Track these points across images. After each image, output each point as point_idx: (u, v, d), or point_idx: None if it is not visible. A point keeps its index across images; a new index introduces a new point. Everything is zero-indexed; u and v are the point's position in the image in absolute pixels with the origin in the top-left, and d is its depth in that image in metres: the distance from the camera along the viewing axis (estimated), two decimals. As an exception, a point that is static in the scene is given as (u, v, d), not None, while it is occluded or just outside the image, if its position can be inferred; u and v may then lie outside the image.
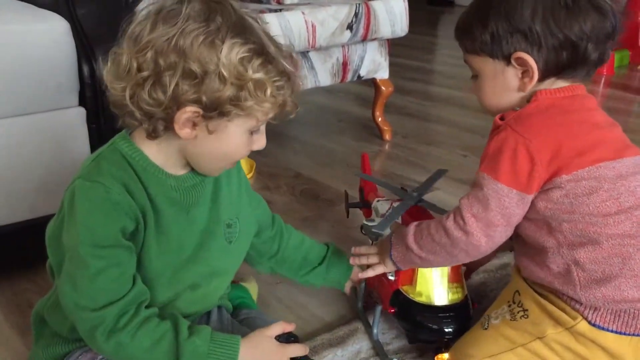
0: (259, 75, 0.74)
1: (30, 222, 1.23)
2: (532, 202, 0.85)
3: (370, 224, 1.10)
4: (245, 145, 0.81)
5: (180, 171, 0.84)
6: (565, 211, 0.84)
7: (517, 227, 0.90)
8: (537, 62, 0.86)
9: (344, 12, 1.82)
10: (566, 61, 0.86)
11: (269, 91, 0.75)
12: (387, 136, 2.19)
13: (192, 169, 0.85)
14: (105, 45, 1.22)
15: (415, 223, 0.93)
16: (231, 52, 0.72)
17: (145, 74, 0.73)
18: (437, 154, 2.07)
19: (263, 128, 0.83)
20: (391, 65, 2.12)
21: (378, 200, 1.19)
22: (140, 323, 0.77)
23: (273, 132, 2.51)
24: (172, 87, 0.72)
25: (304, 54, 1.85)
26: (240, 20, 0.75)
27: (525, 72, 0.87)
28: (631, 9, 3.43)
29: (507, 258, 1.35)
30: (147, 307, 0.80)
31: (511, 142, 0.83)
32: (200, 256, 0.87)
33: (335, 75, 1.96)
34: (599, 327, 0.85)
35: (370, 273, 1.01)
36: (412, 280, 1.01)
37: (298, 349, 0.87)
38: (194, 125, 0.76)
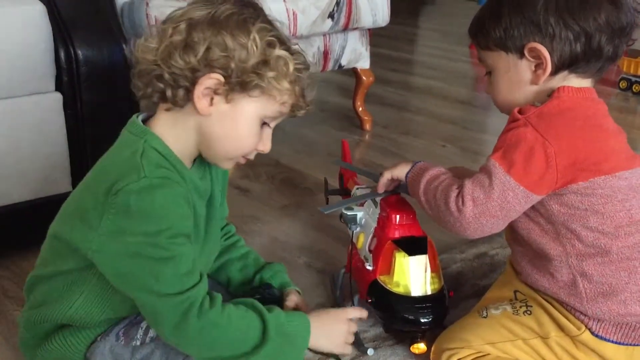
0: (282, 52, 0.80)
1: (4, 209, 1.21)
2: (546, 205, 0.85)
3: (349, 212, 1.11)
4: (254, 134, 0.84)
5: (189, 166, 0.87)
6: (581, 217, 0.84)
7: (520, 230, 0.90)
8: (550, 54, 0.85)
9: (325, 1, 1.81)
10: (580, 53, 0.85)
11: (291, 67, 0.81)
12: (368, 126, 2.19)
13: (194, 164, 0.88)
14: (83, 29, 1.23)
15: (438, 168, 0.94)
16: (260, 33, 0.79)
17: (178, 37, 0.78)
18: (417, 144, 2.08)
19: (270, 132, 0.87)
20: (372, 55, 2.12)
21: (358, 188, 1.19)
22: (222, 304, 0.80)
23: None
24: (202, 51, 0.77)
25: (285, 42, 1.84)
26: (269, 18, 0.83)
27: (539, 64, 0.86)
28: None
29: (485, 247, 1.36)
30: None
31: (530, 139, 0.82)
32: (209, 239, 0.92)
33: (316, 64, 1.95)
34: (601, 337, 0.86)
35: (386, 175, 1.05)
36: (389, 270, 1.02)
37: (357, 311, 0.95)
38: (212, 100, 0.80)
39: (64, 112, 1.24)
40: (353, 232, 1.14)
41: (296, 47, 0.85)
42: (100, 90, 1.26)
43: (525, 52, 0.86)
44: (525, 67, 0.88)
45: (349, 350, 0.92)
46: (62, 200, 1.31)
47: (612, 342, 0.86)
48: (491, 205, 0.82)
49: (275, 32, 0.82)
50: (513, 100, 0.90)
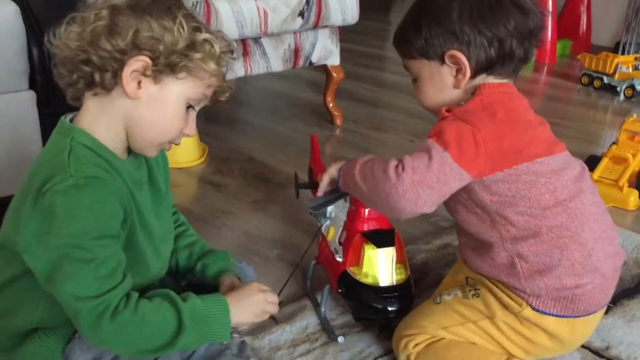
0: (208, 36, 0.83)
1: (-20, 206, 1.23)
2: (479, 196, 0.91)
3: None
4: (181, 117, 0.85)
5: (124, 157, 0.87)
6: (510, 204, 0.90)
7: (462, 223, 0.96)
8: (468, 59, 0.92)
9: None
10: (494, 57, 0.92)
11: (217, 49, 0.84)
12: (338, 121, 2.24)
13: (130, 154, 0.88)
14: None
15: (372, 156, 0.96)
16: (185, 19, 0.82)
17: (102, 22, 0.79)
18: (386, 139, 2.13)
19: (194, 115, 0.88)
20: (343, 51, 2.17)
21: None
22: (136, 301, 0.80)
23: (226, 116, 2.53)
24: (130, 34, 0.79)
25: (256, 40, 1.88)
26: (188, 9, 0.85)
27: (459, 69, 0.93)
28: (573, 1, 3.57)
29: (448, 239, 1.42)
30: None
31: (459, 127, 0.88)
32: (162, 225, 0.93)
33: (287, 61, 1.99)
34: (541, 312, 0.92)
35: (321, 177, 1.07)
36: (359, 262, 1.06)
37: (274, 297, 0.93)
38: (140, 83, 0.81)
39: (38, 110, 1.26)
40: (323, 225, 1.18)
41: (220, 32, 0.87)
42: (74, 88, 1.28)
43: (446, 59, 0.93)
44: (447, 73, 0.95)
45: (267, 316, 0.93)
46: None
47: (552, 315, 0.93)
48: (429, 175, 0.85)
49: (198, 19, 0.85)
50: (439, 103, 0.96)
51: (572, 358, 1.04)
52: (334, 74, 2.16)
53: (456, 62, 0.93)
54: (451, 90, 0.96)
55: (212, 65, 0.83)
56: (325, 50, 2.07)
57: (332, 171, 1.04)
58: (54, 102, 1.26)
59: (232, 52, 0.87)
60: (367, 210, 1.08)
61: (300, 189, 1.36)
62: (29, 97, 1.24)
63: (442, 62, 0.94)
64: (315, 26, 1.95)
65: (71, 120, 0.84)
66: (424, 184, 0.86)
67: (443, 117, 0.92)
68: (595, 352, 1.07)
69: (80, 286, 0.77)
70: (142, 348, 0.82)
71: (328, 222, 1.17)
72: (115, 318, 0.78)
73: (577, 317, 0.94)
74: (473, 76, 0.93)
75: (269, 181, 1.77)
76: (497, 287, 0.96)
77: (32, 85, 1.24)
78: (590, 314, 0.95)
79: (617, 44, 3.34)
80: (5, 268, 0.85)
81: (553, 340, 0.95)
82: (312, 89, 2.64)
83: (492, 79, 0.94)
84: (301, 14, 1.88)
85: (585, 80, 2.87)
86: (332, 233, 1.14)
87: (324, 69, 2.16)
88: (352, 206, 1.11)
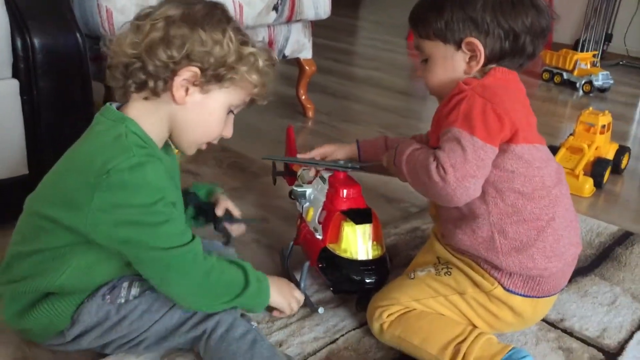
0: (254, 50, 0.91)
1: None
2: None
3: (298, 189, 1.21)
4: (221, 121, 0.94)
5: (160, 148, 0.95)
6: (507, 179, 0.96)
7: None
8: (484, 48, 0.97)
9: (269, -6, 1.91)
10: (508, 50, 0.98)
11: (260, 63, 0.91)
12: (310, 113, 2.30)
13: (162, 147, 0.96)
14: (39, 19, 1.27)
15: (412, 147, 0.99)
16: (234, 32, 0.89)
17: (157, 34, 0.86)
18: (356, 131, 2.20)
19: (232, 118, 0.96)
20: (315, 46, 2.23)
21: (304, 169, 1.30)
22: (216, 257, 0.93)
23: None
24: (184, 45, 0.86)
25: (231, 32, 1.92)
26: (236, 22, 0.92)
27: (472, 57, 0.98)
28: None
29: (417, 222, 1.50)
30: None
31: (480, 104, 0.92)
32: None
33: (262, 54, 2.04)
34: (511, 291, 1.00)
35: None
36: (337, 238, 1.13)
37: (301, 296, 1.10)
38: (187, 90, 0.89)
39: (21, 98, 1.29)
40: (302, 206, 1.24)
41: (262, 44, 0.95)
42: (55, 77, 1.32)
43: (463, 45, 0.98)
44: (460, 58, 1.00)
45: (288, 310, 1.08)
46: (18, 182, 1.35)
47: (520, 294, 1.01)
48: (469, 167, 0.89)
49: (244, 32, 0.92)
50: (445, 86, 1.01)
51: (529, 329, 1.13)
52: (307, 67, 2.22)
53: (472, 49, 0.97)
54: (461, 75, 1.00)
55: (255, 77, 0.91)
56: (298, 44, 2.13)
57: (387, 164, 1.08)
58: (36, 90, 1.29)
59: (273, 64, 0.95)
60: (345, 191, 1.15)
61: (277, 176, 1.42)
62: (12, 85, 1.26)
63: (458, 47, 0.98)
64: (289, 20, 2.01)
65: (117, 109, 0.91)
66: (468, 176, 0.90)
67: (461, 90, 0.95)
68: (551, 324, 1.16)
69: (166, 241, 0.86)
70: (218, 297, 0.93)
71: (307, 204, 1.22)
72: (204, 263, 0.89)
73: (541, 297, 1.02)
74: (484, 65, 0.99)
75: (244, 170, 1.82)
76: (469, 267, 1.02)
77: (15, 73, 1.26)
78: (551, 295, 1.04)
79: (577, 41, 3.48)
80: (43, 237, 0.89)
81: (516, 317, 1.03)
82: (285, 82, 2.69)
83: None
84: (275, 8, 1.93)
85: (546, 76, 2.99)
86: (312, 213, 1.19)
87: (296, 62, 2.22)
88: (331, 188, 1.17)
